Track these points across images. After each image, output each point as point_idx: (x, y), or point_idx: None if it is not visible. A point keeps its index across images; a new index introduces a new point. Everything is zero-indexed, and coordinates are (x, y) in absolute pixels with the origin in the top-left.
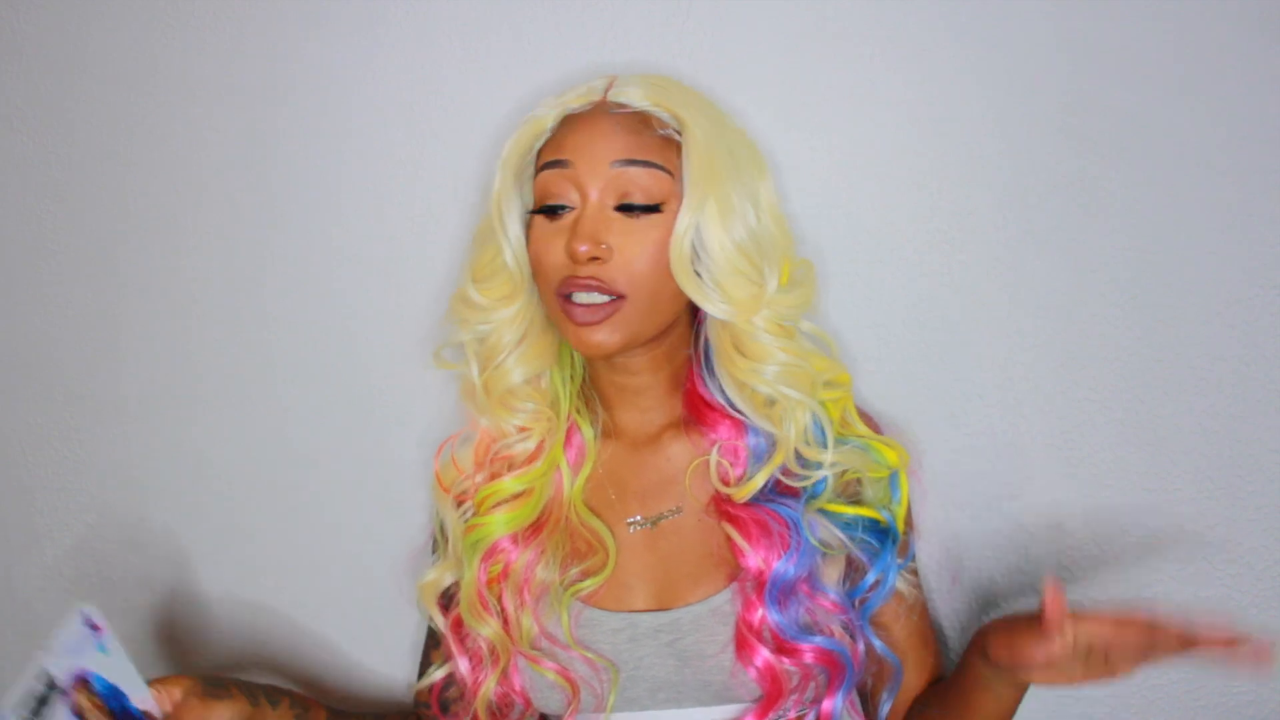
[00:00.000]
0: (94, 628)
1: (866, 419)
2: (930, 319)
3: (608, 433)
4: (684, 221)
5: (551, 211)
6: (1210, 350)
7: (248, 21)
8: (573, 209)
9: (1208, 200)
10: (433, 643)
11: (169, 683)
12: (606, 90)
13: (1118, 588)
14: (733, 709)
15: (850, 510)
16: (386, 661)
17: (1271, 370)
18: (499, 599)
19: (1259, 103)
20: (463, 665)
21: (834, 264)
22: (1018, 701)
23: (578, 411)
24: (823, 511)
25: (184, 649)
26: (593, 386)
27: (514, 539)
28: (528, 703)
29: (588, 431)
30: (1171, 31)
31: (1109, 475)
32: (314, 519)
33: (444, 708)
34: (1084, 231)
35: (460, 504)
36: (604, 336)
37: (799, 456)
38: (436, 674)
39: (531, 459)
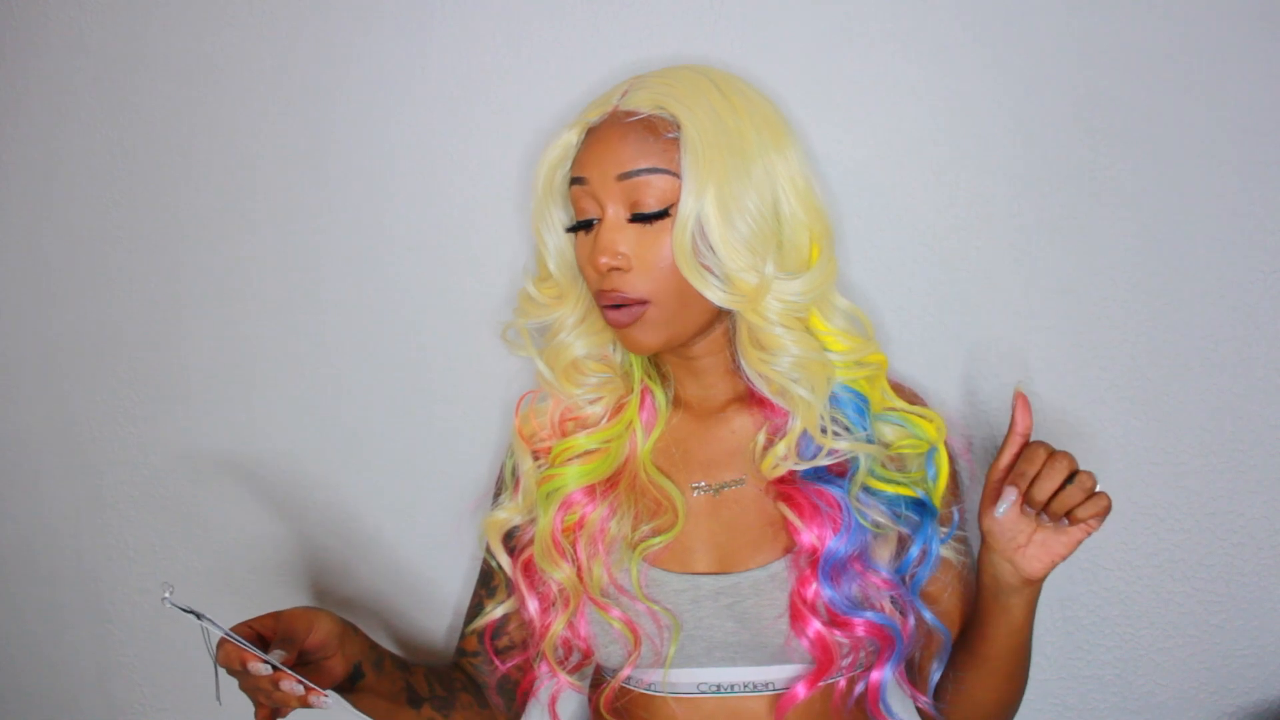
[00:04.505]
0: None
1: (905, 392)
2: (948, 302)
3: (676, 402)
4: (681, 218)
5: (585, 226)
6: (1215, 332)
7: (303, 24)
8: (600, 221)
9: (1213, 190)
10: (484, 588)
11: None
12: (621, 98)
13: (1126, 556)
14: (785, 670)
15: (888, 487)
16: (429, 615)
17: (1273, 351)
18: (573, 546)
19: (1263, 97)
20: (532, 605)
21: (857, 249)
22: (1027, 616)
23: (650, 377)
24: (866, 489)
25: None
26: (661, 360)
27: (589, 492)
28: (588, 652)
29: (660, 396)
30: (1179, 30)
31: (1119, 450)
32: (367, 492)
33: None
34: (1095, 219)
35: (536, 457)
36: (640, 335)
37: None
38: (496, 612)
39: (603, 420)
